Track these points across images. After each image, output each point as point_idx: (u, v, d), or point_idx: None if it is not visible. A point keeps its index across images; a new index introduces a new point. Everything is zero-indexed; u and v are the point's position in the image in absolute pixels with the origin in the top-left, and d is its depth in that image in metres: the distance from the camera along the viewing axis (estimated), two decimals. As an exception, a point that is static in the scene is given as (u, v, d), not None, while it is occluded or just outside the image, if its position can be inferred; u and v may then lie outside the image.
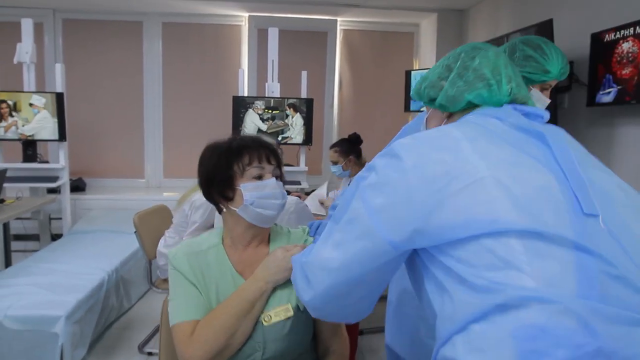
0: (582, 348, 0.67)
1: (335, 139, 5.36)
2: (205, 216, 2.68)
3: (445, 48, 4.66)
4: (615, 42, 2.41)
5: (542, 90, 1.52)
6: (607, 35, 2.47)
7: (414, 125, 1.63)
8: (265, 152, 1.25)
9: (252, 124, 4.13)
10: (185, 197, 2.80)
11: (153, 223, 2.92)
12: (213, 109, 4.99)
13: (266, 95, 4.16)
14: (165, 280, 2.85)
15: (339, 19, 5.05)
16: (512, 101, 0.99)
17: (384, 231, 0.85)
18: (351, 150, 3.34)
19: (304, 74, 4.24)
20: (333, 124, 5.31)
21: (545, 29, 2.63)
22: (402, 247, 0.86)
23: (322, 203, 3.36)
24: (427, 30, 4.99)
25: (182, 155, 5.01)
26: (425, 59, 5.04)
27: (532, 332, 0.69)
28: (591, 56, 2.57)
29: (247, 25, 4.90)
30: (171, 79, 4.97)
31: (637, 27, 2.28)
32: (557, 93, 2.77)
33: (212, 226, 2.75)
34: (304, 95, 4.26)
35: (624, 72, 2.36)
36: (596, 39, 2.55)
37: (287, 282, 1.23)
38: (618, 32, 2.40)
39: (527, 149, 0.86)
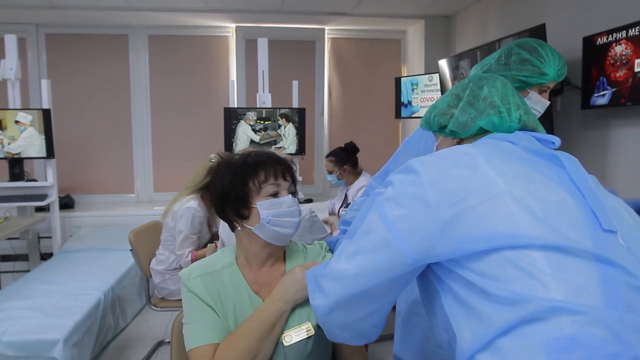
0: (616, 358, 0.67)
1: (326, 148, 5.36)
2: (190, 225, 2.64)
3: (433, 54, 4.69)
4: (608, 45, 2.44)
5: (541, 92, 1.51)
6: (599, 39, 2.50)
7: (413, 142, 1.62)
8: (281, 168, 1.23)
9: (245, 135, 4.10)
10: (167, 211, 2.77)
11: (148, 240, 2.87)
12: (203, 121, 4.94)
13: (257, 106, 4.13)
14: (163, 299, 2.79)
15: (326, 27, 5.06)
16: (522, 128, 1.04)
17: (402, 242, 0.86)
18: (347, 159, 3.33)
19: (295, 83, 4.23)
20: (324, 133, 5.30)
21: (538, 34, 2.65)
22: (420, 261, 0.87)
23: (325, 222, 3.34)
24: (415, 36, 5.02)
25: (172, 168, 4.95)
26: (414, 66, 5.07)
27: (564, 343, 0.68)
28: (584, 59, 2.60)
29: (234, 36, 4.88)
30: (159, 92, 4.91)
31: (630, 30, 2.31)
32: (549, 96, 2.79)
33: (198, 234, 2.71)
34: (295, 104, 4.24)
35: (618, 74, 2.39)
36: (588, 42, 2.58)
37: (306, 301, 1.21)
38: (610, 36, 2.43)
39: (541, 169, 0.89)
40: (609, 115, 2.59)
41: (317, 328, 1.20)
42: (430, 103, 4.43)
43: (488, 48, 3.24)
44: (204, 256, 2.76)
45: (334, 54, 5.22)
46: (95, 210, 4.56)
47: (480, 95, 1.06)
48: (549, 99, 1.57)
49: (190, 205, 2.68)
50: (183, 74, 4.91)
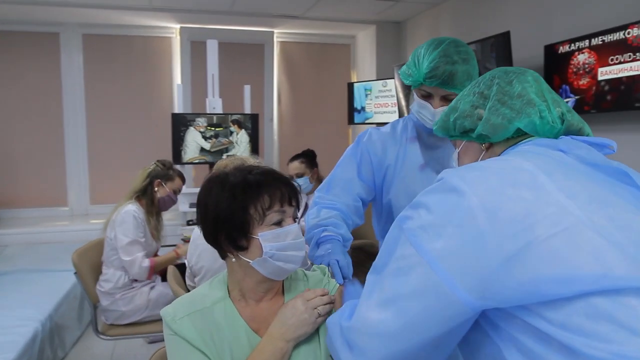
0: None
1: (276, 154, 5.19)
2: (133, 228, 2.45)
3: (385, 60, 4.67)
4: (571, 54, 2.48)
5: (422, 97, 1.39)
6: (560, 47, 2.54)
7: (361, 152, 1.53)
8: (287, 191, 1.04)
9: (194, 142, 3.85)
10: (107, 223, 2.53)
11: (95, 260, 2.57)
12: (145, 128, 4.61)
13: (207, 112, 3.90)
14: (113, 326, 2.50)
15: (275, 30, 4.90)
16: (567, 129, 0.87)
17: (454, 286, 0.68)
18: (312, 165, 3.18)
19: (247, 88, 4.04)
20: (273, 139, 5.13)
21: (502, 41, 2.66)
22: (480, 307, 0.69)
23: None
24: (365, 42, 4.98)
25: (111, 178, 4.57)
26: (364, 71, 5.03)
27: None
28: (545, 67, 2.64)
29: (178, 37, 4.60)
30: (95, 97, 4.52)
31: (593, 40, 2.35)
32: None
33: (144, 238, 2.48)
34: (247, 110, 4.05)
35: (581, 82, 2.44)
36: (550, 50, 2.61)
37: (310, 336, 1.06)
38: (573, 44, 2.47)
39: (611, 188, 0.74)
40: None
41: (326, 366, 1.05)
42: (386, 109, 4.41)
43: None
44: (167, 262, 2.53)
45: (283, 58, 5.08)
46: (23, 226, 4.12)
47: (512, 92, 0.89)
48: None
49: (129, 209, 2.50)
50: (122, 77, 4.56)
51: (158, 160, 2.74)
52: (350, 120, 4.72)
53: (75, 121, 4.48)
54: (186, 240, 3.09)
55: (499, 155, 0.90)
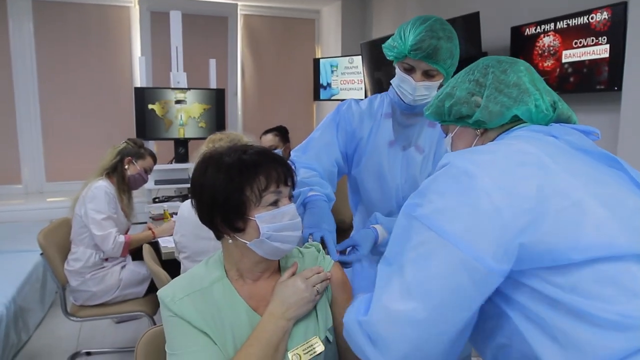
0: None
1: (240, 129, 5.12)
2: (105, 203, 2.40)
3: (351, 36, 4.66)
4: (536, 36, 2.57)
5: (405, 71, 1.43)
6: (527, 29, 2.62)
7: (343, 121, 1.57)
8: (283, 170, 1.04)
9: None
10: (76, 200, 2.46)
11: (61, 240, 2.49)
12: (103, 102, 4.42)
13: (172, 86, 3.78)
14: (83, 307, 2.45)
15: (239, 3, 4.77)
16: (557, 117, 0.94)
17: (482, 259, 0.72)
18: (285, 140, 3.17)
19: (212, 62, 3.94)
20: (237, 114, 5.05)
21: (471, 21, 2.71)
22: (506, 270, 0.73)
23: None
24: (330, 17, 4.94)
25: (67, 154, 4.38)
26: (329, 47, 5.00)
27: None
28: (512, 49, 2.72)
29: (137, 7, 4.39)
30: (48, 68, 4.27)
31: (558, 23, 2.44)
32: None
33: (116, 214, 2.45)
34: (213, 85, 3.96)
35: (546, 64, 2.53)
36: (516, 32, 2.69)
37: (309, 313, 1.08)
38: (539, 27, 2.56)
39: (603, 171, 0.81)
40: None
41: (327, 342, 1.09)
42: (352, 85, 4.42)
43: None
44: (143, 241, 2.50)
45: (247, 31, 4.97)
46: (-27, 205, 3.90)
47: (507, 81, 0.94)
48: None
49: (99, 185, 2.44)
50: (77, 48, 4.32)
51: (129, 139, 2.67)
52: (316, 97, 4.71)
53: (27, 93, 4.24)
54: (155, 219, 3.04)
55: (493, 139, 0.95)
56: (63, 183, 4.39)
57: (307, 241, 1.27)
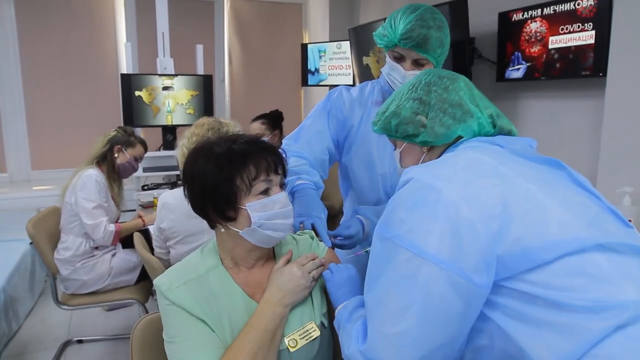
0: None
1: (227, 116, 5.09)
2: (96, 192, 2.40)
3: (339, 21, 4.64)
4: (524, 22, 2.58)
5: (395, 59, 1.44)
6: (514, 15, 2.64)
7: (334, 109, 1.58)
8: (273, 159, 1.05)
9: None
10: (66, 188, 2.46)
11: (50, 229, 2.48)
12: (88, 88, 4.34)
13: (158, 72, 3.74)
14: (74, 295, 2.45)
15: (225, -13, 4.71)
16: (499, 132, 0.99)
17: (464, 273, 0.74)
18: (277, 125, 3.15)
19: (199, 48, 3.90)
20: (225, 100, 5.02)
21: (458, 6, 2.71)
22: (489, 283, 0.76)
23: None
24: (317, 2, 4.90)
25: (52, 142, 4.32)
26: (316, 32, 4.97)
27: None
28: (499, 34, 2.73)
29: (121, -9, 4.31)
30: (31, 54, 4.18)
31: (545, 9, 2.46)
32: (459, 69, 2.91)
33: (107, 203, 2.45)
34: (200, 71, 3.92)
35: (532, 50, 2.55)
36: (503, 18, 2.70)
37: (305, 299, 1.11)
38: (526, 13, 2.57)
39: (548, 173, 0.88)
40: (520, 89, 2.78)
41: (322, 327, 1.11)
42: (340, 71, 4.41)
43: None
44: (133, 229, 2.49)
45: (234, 17, 4.91)
46: (-43, 194, 3.84)
47: (450, 99, 0.98)
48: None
49: (90, 173, 2.44)
50: (60, 33, 4.23)
51: (119, 127, 2.66)
52: (304, 82, 4.69)
53: (11, 81, 4.15)
54: (144, 206, 3.03)
55: (439, 155, 1.00)
56: (49, 171, 4.34)
57: (299, 229, 1.29)
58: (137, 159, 2.65)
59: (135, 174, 3.16)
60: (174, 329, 1.03)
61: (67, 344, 2.78)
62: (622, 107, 2.11)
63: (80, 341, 2.82)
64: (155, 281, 1.07)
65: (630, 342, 0.69)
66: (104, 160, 2.54)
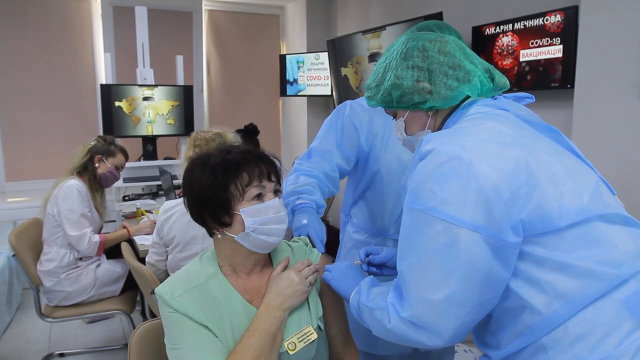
0: None
1: (206, 126, 5.10)
2: (79, 202, 2.39)
3: (316, 32, 4.72)
4: (496, 36, 2.71)
5: None
6: (487, 29, 2.77)
7: (345, 123, 1.59)
8: (266, 167, 1.11)
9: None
10: (47, 200, 2.44)
11: (32, 240, 2.46)
12: (65, 99, 4.30)
13: (138, 83, 3.74)
14: (57, 307, 2.43)
15: (203, -2, 4.74)
16: (496, 85, 1.04)
17: (498, 235, 0.81)
18: (251, 140, 3.21)
19: (179, 58, 3.92)
20: (204, 110, 5.03)
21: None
22: (519, 241, 0.83)
23: None
24: (295, 13, 4.98)
25: (27, 153, 4.24)
26: (294, 43, 5.04)
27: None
28: (473, 47, 2.85)
29: (99, 1, 4.30)
30: (5, 63, 4.12)
31: (516, 24, 2.59)
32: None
33: (90, 213, 2.44)
34: (180, 81, 3.94)
35: (505, 62, 2.68)
36: (477, 31, 2.83)
37: (302, 303, 1.16)
38: (498, 27, 2.70)
39: (553, 143, 0.95)
40: (494, 99, 2.90)
41: (319, 330, 1.16)
42: (318, 81, 4.49)
43: (374, 31, 3.37)
44: (118, 240, 2.49)
45: (212, 27, 4.94)
46: None
47: (449, 62, 1.00)
48: None
49: (71, 184, 2.42)
50: (36, 43, 4.19)
51: (99, 136, 2.65)
52: (283, 92, 4.75)
53: (-16, 91, 4.09)
54: (128, 217, 3.02)
55: (446, 116, 1.04)
56: (24, 182, 4.27)
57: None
58: (119, 168, 2.64)
59: (115, 185, 3.15)
60: (178, 335, 1.06)
61: (48, 357, 2.74)
62: (589, 116, 2.24)
63: (62, 354, 2.78)
64: (157, 290, 1.11)
65: (612, 299, 0.80)
66: (85, 171, 2.53)
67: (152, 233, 2.52)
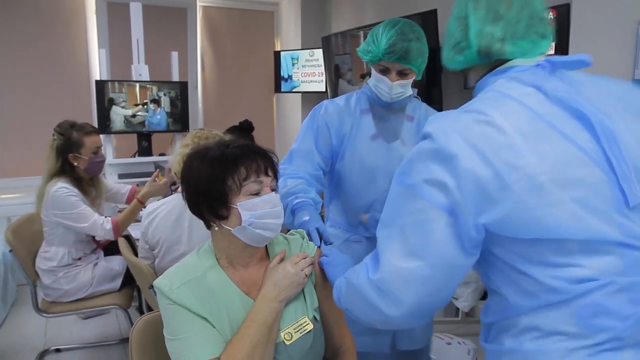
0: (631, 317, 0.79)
1: (201, 123, 5.11)
2: (72, 203, 2.29)
3: (311, 29, 4.73)
4: (489, 33, 2.73)
5: (381, 72, 1.54)
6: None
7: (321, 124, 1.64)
8: (263, 162, 1.13)
9: (117, 115, 3.69)
10: (40, 199, 2.38)
11: (28, 236, 2.46)
12: (58, 94, 4.29)
13: (133, 79, 3.74)
14: (54, 303, 2.44)
15: (197, -6, 4.74)
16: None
17: (471, 220, 0.81)
18: (245, 138, 3.22)
19: (174, 54, 3.92)
20: (198, 107, 5.03)
21: (429, 19, 2.85)
22: (481, 238, 0.84)
23: None
24: (289, 10, 4.99)
25: (21, 149, 4.24)
26: (288, 40, 5.05)
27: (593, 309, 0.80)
28: (467, 44, 2.87)
29: (92, -3, 4.29)
30: (0, 60, 4.12)
31: (509, 21, 2.61)
32: (429, 77, 3.04)
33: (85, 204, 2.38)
34: (175, 78, 3.94)
35: (498, 59, 2.71)
36: (471, 29, 2.85)
37: (298, 295, 1.18)
38: (491, 24, 2.72)
39: (570, 133, 0.83)
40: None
41: (314, 321, 1.19)
42: (313, 78, 4.50)
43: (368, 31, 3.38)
44: (132, 214, 2.38)
45: (206, 23, 4.95)
46: None
47: (509, 17, 0.92)
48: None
49: (57, 187, 2.29)
50: (29, 38, 4.17)
51: (56, 130, 2.41)
52: (277, 89, 4.76)
53: (-23, 87, 4.07)
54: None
55: (482, 75, 0.98)
56: (17, 179, 4.26)
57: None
58: (97, 152, 2.41)
59: (110, 181, 3.13)
60: (177, 326, 1.08)
61: (44, 353, 2.75)
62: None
63: (58, 350, 2.79)
64: (155, 282, 1.13)
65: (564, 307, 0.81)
66: (64, 173, 2.36)
67: (164, 192, 2.49)
